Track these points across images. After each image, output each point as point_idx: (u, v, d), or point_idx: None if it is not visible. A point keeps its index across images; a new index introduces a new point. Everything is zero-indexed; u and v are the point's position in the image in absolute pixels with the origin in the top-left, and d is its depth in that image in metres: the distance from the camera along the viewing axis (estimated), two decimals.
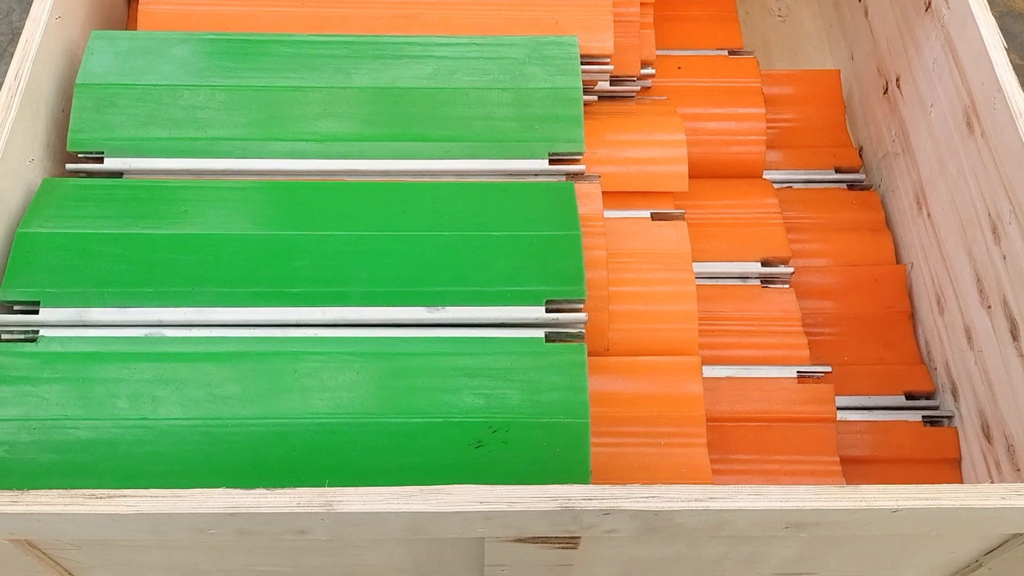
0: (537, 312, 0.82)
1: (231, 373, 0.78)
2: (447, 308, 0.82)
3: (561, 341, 0.82)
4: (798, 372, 0.96)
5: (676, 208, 1.04)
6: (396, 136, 0.94)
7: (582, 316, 0.83)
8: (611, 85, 1.13)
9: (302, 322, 0.82)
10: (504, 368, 0.80)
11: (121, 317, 0.81)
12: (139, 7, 1.00)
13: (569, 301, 0.83)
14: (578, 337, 0.82)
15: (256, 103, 0.94)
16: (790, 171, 1.25)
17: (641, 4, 1.15)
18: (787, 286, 1.08)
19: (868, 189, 1.25)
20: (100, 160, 0.91)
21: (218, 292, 0.82)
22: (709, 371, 0.96)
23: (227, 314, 0.81)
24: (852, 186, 1.25)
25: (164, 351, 0.80)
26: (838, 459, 0.93)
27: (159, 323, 0.81)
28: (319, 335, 0.81)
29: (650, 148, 1.05)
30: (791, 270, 1.08)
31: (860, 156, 1.29)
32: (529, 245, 0.86)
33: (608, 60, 1.05)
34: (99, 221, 0.85)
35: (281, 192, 0.89)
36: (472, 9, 1.03)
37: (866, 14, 1.30)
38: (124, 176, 0.91)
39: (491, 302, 0.83)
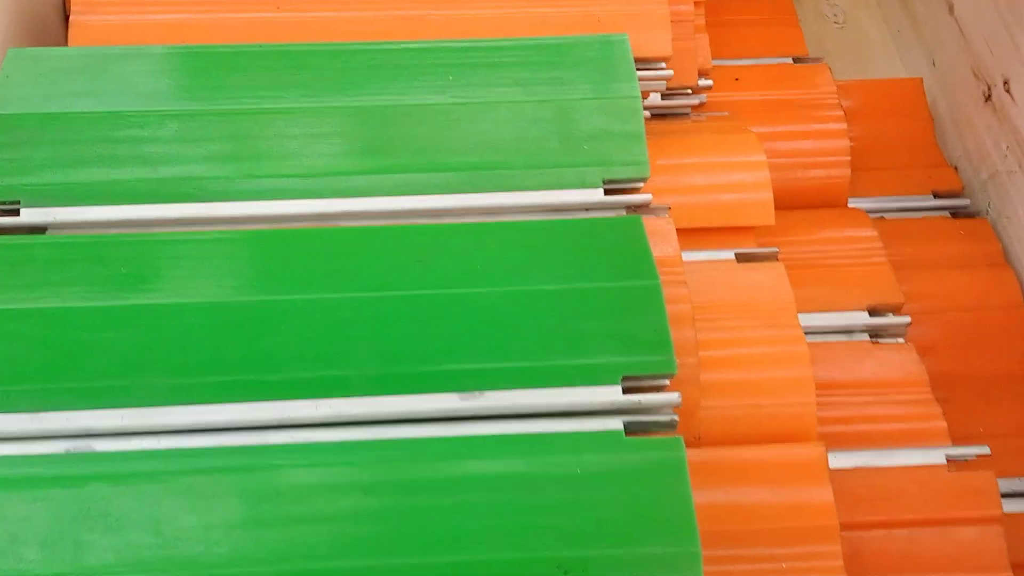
0: (611, 394, 0.60)
1: (185, 502, 0.55)
2: (486, 393, 0.59)
3: (647, 433, 0.59)
4: (947, 456, 0.73)
5: (761, 246, 0.82)
6: (403, 166, 0.72)
7: (673, 397, 0.60)
8: (662, 99, 0.92)
9: (285, 422, 0.59)
10: (571, 477, 0.57)
11: (33, 426, 0.58)
12: (71, 17, 0.79)
13: (653, 377, 0.60)
14: (669, 427, 0.60)
15: (221, 132, 0.72)
16: (879, 198, 1.03)
17: (693, 3, 0.94)
18: (902, 340, 0.85)
19: (975, 216, 1.03)
20: (16, 212, 0.69)
21: (168, 385, 0.59)
22: (830, 460, 0.73)
23: (180, 415, 0.58)
24: (956, 213, 1.03)
25: (93, 472, 0.57)
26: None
27: (86, 432, 0.58)
28: (310, 439, 0.58)
29: (723, 173, 0.84)
30: (907, 320, 0.85)
31: (958, 176, 1.07)
32: (592, 302, 0.63)
33: (665, 64, 0.84)
34: (8, 293, 0.63)
35: (254, 244, 0.67)
36: (492, 6, 0.82)
37: (951, 10, 1.10)
38: (47, 231, 0.69)
39: (546, 382, 0.60)
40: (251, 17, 0.80)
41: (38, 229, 0.69)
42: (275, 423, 0.59)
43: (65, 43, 0.90)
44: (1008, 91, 0.97)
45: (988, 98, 1.02)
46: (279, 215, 0.70)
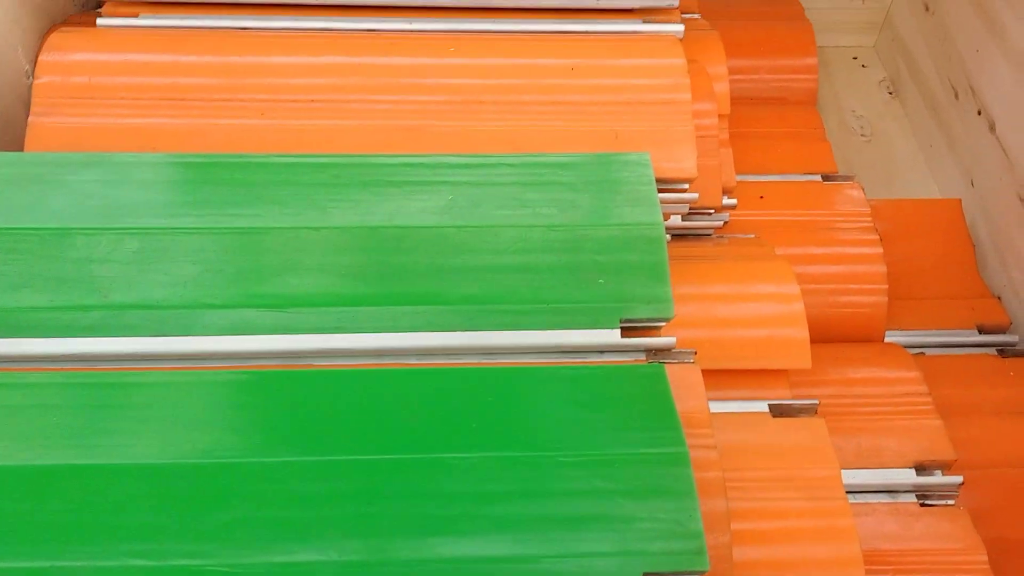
0: None
1: None
2: None
3: None
4: None
5: (794, 393, 0.73)
6: (393, 298, 0.63)
7: None
8: (683, 220, 0.84)
9: None
10: None
11: None
12: (29, 118, 0.71)
13: (680, 575, 0.50)
14: None
15: (187, 253, 0.63)
16: (919, 332, 0.94)
17: (717, 117, 0.86)
18: (952, 502, 0.75)
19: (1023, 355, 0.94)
20: None
21: (104, 570, 0.49)
22: None
23: None
24: (1003, 351, 0.93)
25: None
26: None
27: None
28: None
29: (753, 306, 0.75)
30: (958, 480, 0.75)
31: (1003, 308, 0.98)
32: (606, 474, 0.53)
33: (688, 186, 0.76)
34: None
35: (215, 390, 0.57)
36: (499, 119, 0.74)
37: (992, 128, 1.02)
38: None
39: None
40: (232, 124, 0.72)
41: None
42: None
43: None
44: None
45: None
46: (245, 352, 0.60)
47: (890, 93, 1.28)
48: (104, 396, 0.56)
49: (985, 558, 0.71)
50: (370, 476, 0.53)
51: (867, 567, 0.69)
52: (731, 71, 1.04)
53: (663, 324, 0.64)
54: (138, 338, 0.60)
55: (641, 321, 0.64)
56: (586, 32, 0.83)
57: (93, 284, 0.61)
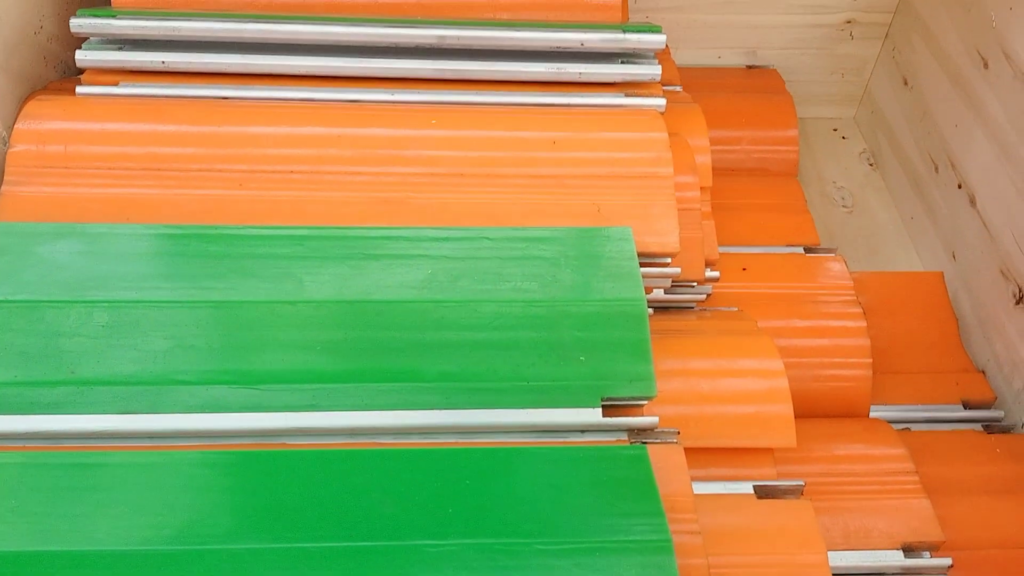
0: None
1: None
2: None
3: None
4: None
5: (780, 471, 0.71)
6: (371, 374, 0.61)
7: None
8: (666, 293, 0.83)
9: None
10: None
11: None
12: (2, 188, 0.70)
13: None
14: None
15: (158, 327, 0.62)
16: (904, 407, 0.93)
17: (699, 189, 0.86)
18: None
19: (1010, 431, 0.93)
20: None
21: None
22: None
23: None
24: (989, 427, 0.92)
25: None
26: None
27: None
28: None
29: (737, 382, 0.74)
30: (948, 562, 0.73)
31: (988, 383, 0.97)
32: (587, 563, 0.51)
33: (671, 260, 0.75)
34: None
35: (187, 470, 0.56)
36: (480, 192, 0.74)
37: (972, 203, 1.03)
38: None
39: None
40: (210, 194, 0.71)
41: None
42: None
43: None
44: None
45: (1020, 300, 0.93)
46: (216, 431, 0.59)
47: (871, 165, 1.29)
48: (66, 477, 0.54)
49: None
50: (343, 564, 0.51)
51: None
52: (713, 142, 1.05)
53: (645, 402, 0.63)
54: (105, 415, 0.58)
55: (623, 400, 0.62)
56: (568, 105, 0.83)
57: (60, 359, 0.59)
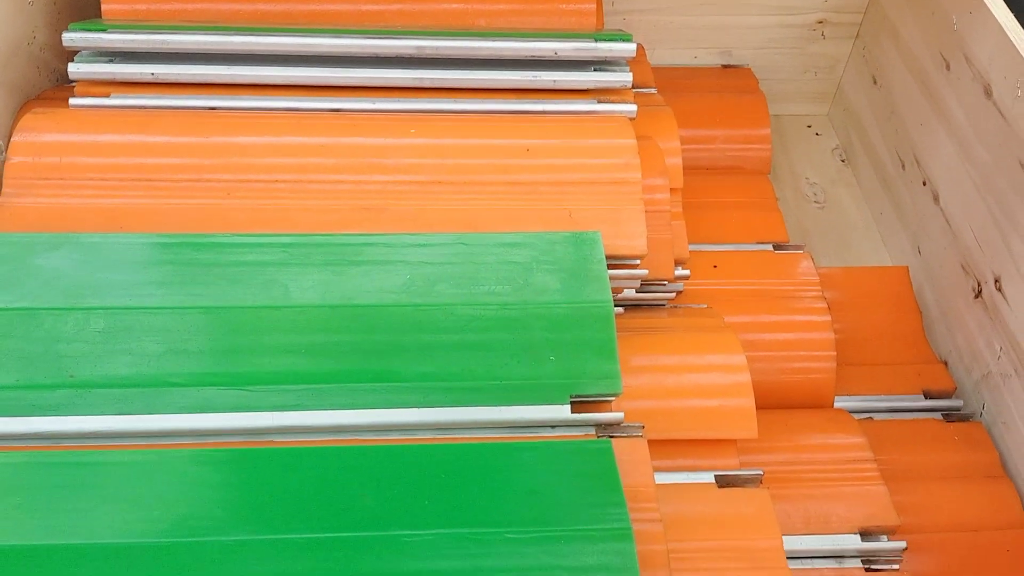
0: None
1: None
2: None
3: None
4: None
5: (743, 461, 0.75)
6: (353, 375, 0.65)
7: None
8: (637, 292, 0.87)
9: None
10: None
11: None
12: (0, 199, 0.73)
13: None
14: None
15: (151, 332, 0.65)
16: (867, 397, 0.97)
17: (670, 190, 0.90)
18: (897, 567, 0.78)
19: (969, 419, 0.97)
20: None
21: None
22: None
23: None
24: (948, 416, 0.97)
25: None
26: None
27: None
28: None
29: (701, 376, 0.78)
30: (902, 545, 0.78)
31: (949, 373, 1.01)
32: (553, 550, 0.56)
33: (639, 262, 0.79)
34: None
35: (180, 467, 0.59)
36: (457, 198, 0.77)
37: (936, 199, 1.07)
38: None
39: None
40: (198, 204, 0.74)
41: None
42: None
43: None
44: (1000, 289, 0.93)
45: (978, 294, 0.97)
46: (208, 429, 0.62)
47: (843, 161, 1.32)
48: (67, 476, 0.58)
49: None
50: (327, 554, 0.55)
51: None
52: (687, 141, 1.09)
53: (612, 399, 0.67)
54: (102, 416, 0.62)
55: (590, 396, 0.66)
56: (543, 112, 0.87)
57: (59, 363, 0.63)
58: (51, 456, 0.59)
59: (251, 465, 0.60)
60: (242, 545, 0.55)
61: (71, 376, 0.63)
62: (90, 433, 0.62)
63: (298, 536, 0.55)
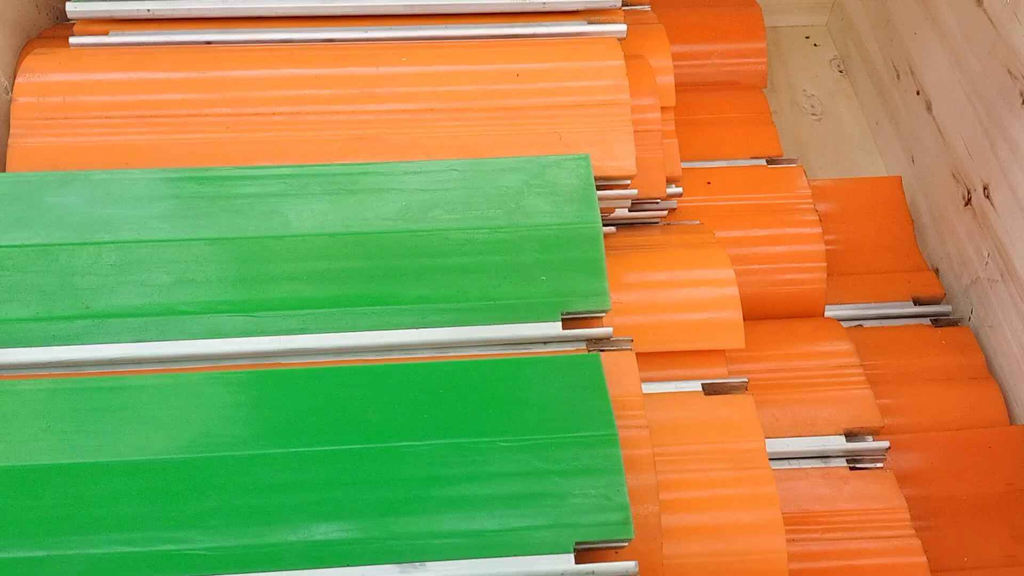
0: (563, 562, 0.56)
1: None
2: (428, 565, 0.55)
3: None
4: None
5: (730, 371, 0.79)
6: (354, 300, 0.68)
7: (629, 566, 0.56)
8: (630, 211, 0.89)
9: None
10: None
11: None
12: (9, 140, 0.76)
13: (609, 542, 0.56)
14: None
15: (161, 263, 0.69)
16: (857, 305, 1.00)
17: (662, 109, 0.92)
18: (881, 465, 0.82)
19: (957, 323, 1.00)
20: None
21: (95, 557, 0.55)
22: None
23: None
24: (937, 321, 1.00)
25: None
26: None
27: None
28: None
29: (690, 291, 0.81)
30: (885, 445, 0.81)
31: (939, 280, 1.04)
32: (543, 456, 0.59)
33: (629, 182, 0.81)
34: None
35: (194, 389, 0.63)
36: (450, 125, 0.79)
37: (929, 108, 1.08)
38: None
39: (495, 552, 0.56)
40: (199, 138, 0.77)
41: None
42: None
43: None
44: (988, 196, 0.95)
45: (968, 202, 0.99)
46: (218, 354, 0.66)
47: (840, 71, 1.33)
48: (89, 400, 0.62)
49: (907, 516, 0.77)
50: (333, 465, 0.59)
51: (798, 528, 0.76)
52: (681, 57, 1.10)
53: (602, 315, 0.70)
54: (119, 344, 0.65)
55: (581, 314, 0.69)
56: (533, 35, 0.88)
57: (76, 296, 0.66)
58: (74, 383, 0.63)
59: (261, 385, 0.64)
60: (255, 459, 0.59)
61: (87, 307, 0.66)
62: (108, 360, 0.66)
63: (307, 449, 0.59)
